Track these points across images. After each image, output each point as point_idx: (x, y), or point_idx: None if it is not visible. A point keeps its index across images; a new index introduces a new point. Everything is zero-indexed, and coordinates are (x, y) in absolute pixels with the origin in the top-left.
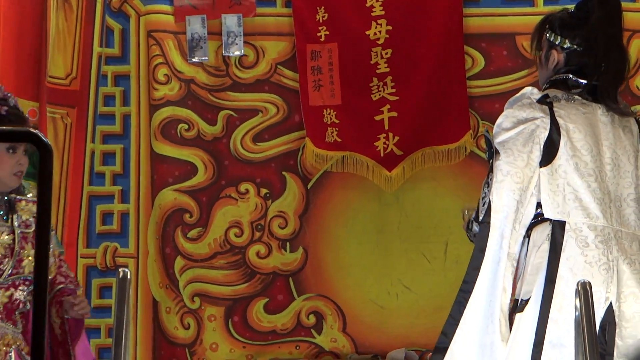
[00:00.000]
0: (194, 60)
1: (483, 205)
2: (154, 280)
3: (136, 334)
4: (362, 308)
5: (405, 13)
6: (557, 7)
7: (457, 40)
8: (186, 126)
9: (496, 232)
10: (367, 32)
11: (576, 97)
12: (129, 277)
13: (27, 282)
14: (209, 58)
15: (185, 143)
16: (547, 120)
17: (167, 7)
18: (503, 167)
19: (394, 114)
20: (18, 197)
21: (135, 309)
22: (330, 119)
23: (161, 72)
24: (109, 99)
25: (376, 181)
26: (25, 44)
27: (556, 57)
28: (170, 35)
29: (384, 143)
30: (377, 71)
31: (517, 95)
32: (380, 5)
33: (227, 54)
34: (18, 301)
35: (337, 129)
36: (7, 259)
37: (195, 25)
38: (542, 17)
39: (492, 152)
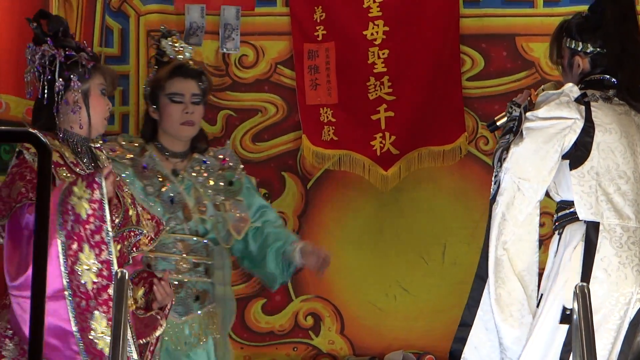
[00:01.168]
0: (188, 44)
1: (494, 184)
2: None
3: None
4: (360, 310)
5: (402, 14)
6: (556, 9)
7: (453, 41)
8: None
9: (497, 211)
10: (364, 33)
11: (614, 98)
12: (127, 277)
13: (132, 234)
14: (209, 57)
15: None
16: (580, 124)
17: (167, 7)
18: (518, 156)
19: (391, 113)
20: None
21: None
22: (327, 117)
23: None
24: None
25: (372, 180)
26: (26, 43)
27: (581, 63)
28: None
29: (381, 142)
30: (374, 71)
31: (556, 91)
32: (377, 6)
33: (223, 51)
34: (125, 254)
35: (333, 127)
36: (115, 209)
37: (194, 14)
38: (541, 18)
39: (519, 130)
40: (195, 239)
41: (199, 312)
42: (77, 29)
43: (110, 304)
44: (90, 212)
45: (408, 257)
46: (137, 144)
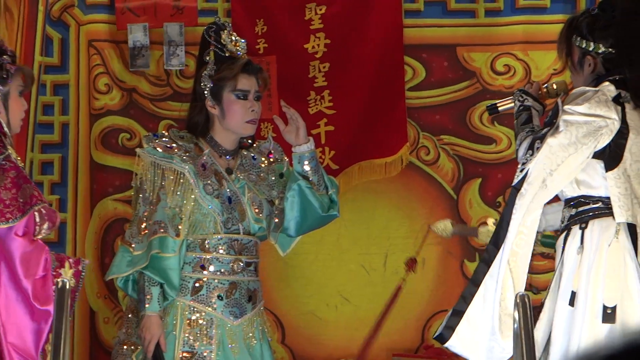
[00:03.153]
0: (135, 68)
1: (521, 172)
2: (92, 290)
3: (73, 345)
4: (301, 319)
5: (344, 27)
6: (497, 19)
7: (396, 53)
8: (128, 135)
9: (524, 202)
10: (305, 46)
11: None
12: (67, 286)
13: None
14: (151, 67)
15: (127, 152)
16: (617, 125)
17: (108, 17)
18: (553, 147)
19: (331, 128)
20: None
21: (72, 319)
22: (267, 132)
23: (102, 82)
24: (47, 108)
25: None
26: None
27: (592, 62)
28: (112, 45)
29: (320, 157)
30: (315, 85)
31: (592, 89)
32: (319, 19)
33: (168, 68)
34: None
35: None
36: None
37: (137, 34)
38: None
39: (554, 123)
40: (247, 238)
41: (252, 312)
42: (18, 39)
43: None
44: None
45: (349, 266)
46: (191, 143)
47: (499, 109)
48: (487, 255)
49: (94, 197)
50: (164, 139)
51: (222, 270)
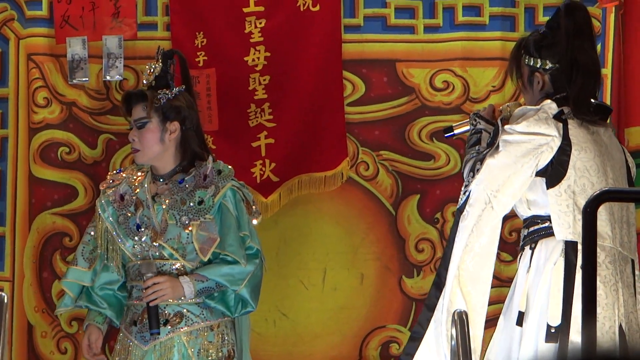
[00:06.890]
0: (74, 81)
1: (464, 194)
2: (30, 304)
3: (10, 359)
4: None
5: (284, 40)
6: (436, 35)
7: (335, 67)
8: (67, 149)
9: (467, 223)
10: (245, 59)
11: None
12: (5, 301)
13: None
14: (90, 80)
15: (66, 166)
16: (558, 142)
17: (47, 30)
18: (493, 168)
19: (271, 140)
20: None
21: (10, 334)
22: (207, 144)
23: (41, 96)
24: None
25: None
26: None
27: (540, 79)
28: (51, 59)
29: (261, 169)
30: (255, 97)
31: (534, 107)
32: (259, 32)
33: (106, 79)
34: None
35: (213, 154)
36: None
37: (76, 47)
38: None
39: (495, 142)
40: (162, 262)
41: (167, 335)
42: None
43: None
44: None
45: (288, 282)
46: (144, 171)
47: (455, 131)
48: (438, 278)
49: (33, 211)
50: (118, 175)
51: (139, 296)
